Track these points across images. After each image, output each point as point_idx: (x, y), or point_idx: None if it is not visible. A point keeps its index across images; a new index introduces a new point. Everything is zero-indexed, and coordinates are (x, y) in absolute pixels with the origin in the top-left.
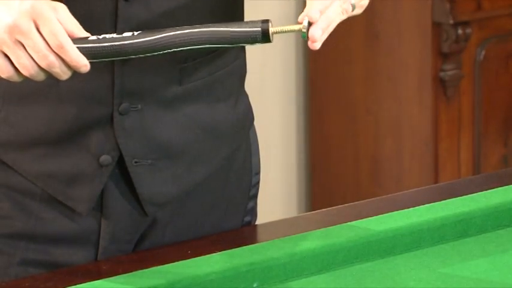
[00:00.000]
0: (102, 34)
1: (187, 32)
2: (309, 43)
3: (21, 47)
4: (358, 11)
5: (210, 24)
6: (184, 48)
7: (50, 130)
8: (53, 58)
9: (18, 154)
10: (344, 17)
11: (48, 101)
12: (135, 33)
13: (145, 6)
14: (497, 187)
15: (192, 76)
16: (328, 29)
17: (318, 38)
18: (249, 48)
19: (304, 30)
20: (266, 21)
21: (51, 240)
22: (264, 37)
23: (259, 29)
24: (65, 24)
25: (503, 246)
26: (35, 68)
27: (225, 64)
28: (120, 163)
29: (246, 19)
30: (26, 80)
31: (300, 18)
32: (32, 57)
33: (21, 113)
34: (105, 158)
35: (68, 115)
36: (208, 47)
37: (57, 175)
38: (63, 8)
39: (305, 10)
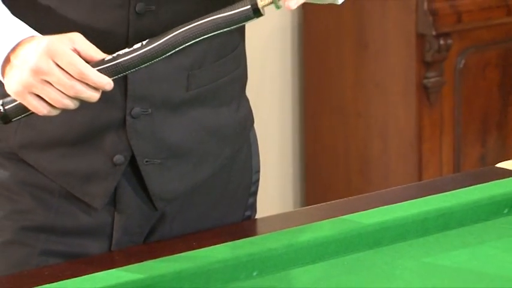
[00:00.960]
0: (116, 52)
1: (189, 28)
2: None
3: (49, 85)
4: None
5: (206, 16)
6: (191, 42)
7: (68, 132)
8: (78, 86)
9: (39, 154)
10: None
11: None
12: (143, 42)
13: (155, 18)
14: (476, 184)
15: (197, 83)
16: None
17: (292, 6)
18: (249, 56)
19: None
20: None
21: (69, 233)
22: (256, 12)
23: (249, 6)
24: (83, 51)
25: (481, 238)
26: (66, 98)
27: (227, 72)
28: (132, 162)
29: None
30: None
31: None
32: (60, 91)
33: (41, 117)
34: (118, 158)
35: (84, 118)
36: (211, 35)
37: (74, 173)
38: (79, 37)
39: None
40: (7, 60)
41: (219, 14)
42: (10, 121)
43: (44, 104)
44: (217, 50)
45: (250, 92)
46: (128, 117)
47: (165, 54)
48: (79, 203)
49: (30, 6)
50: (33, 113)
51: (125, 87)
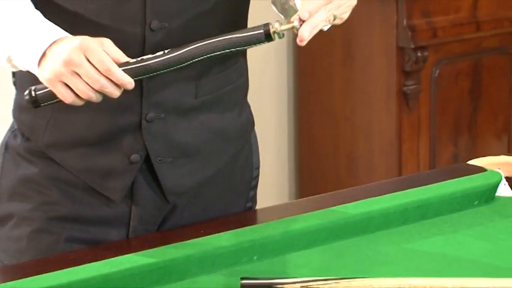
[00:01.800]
0: (140, 57)
1: (205, 43)
2: (298, 40)
3: (77, 76)
4: (338, 22)
5: (222, 35)
6: (207, 56)
7: (90, 134)
8: (103, 81)
9: (64, 153)
10: (327, 24)
11: (89, 111)
12: (166, 51)
13: (167, 34)
14: (449, 179)
15: (204, 91)
16: (313, 31)
17: (305, 37)
18: (250, 67)
19: (296, 31)
20: (267, 25)
21: (91, 222)
22: (267, 37)
23: (262, 31)
24: (111, 54)
25: (454, 226)
26: (91, 91)
27: (231, 81)
28: (147, 160)
29: None
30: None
31: (292, 18)
32: (87, 83)
33: (66, 120)
34: (134, 157)
35: (105, 122)
36: (224, 52)
37: (95, 170)
38: (108, 41)
39: (298, 11)
40: (43, 54)
41: (234, 34)
42: (39, 106)
43: (71, 93)
44: (222, 63)
45: (251, 98)
46: (143, 121)
47: (182, 63)
48: (100, 196)
49: (56, 19)
50: (60, 100)
51: (140, 95)
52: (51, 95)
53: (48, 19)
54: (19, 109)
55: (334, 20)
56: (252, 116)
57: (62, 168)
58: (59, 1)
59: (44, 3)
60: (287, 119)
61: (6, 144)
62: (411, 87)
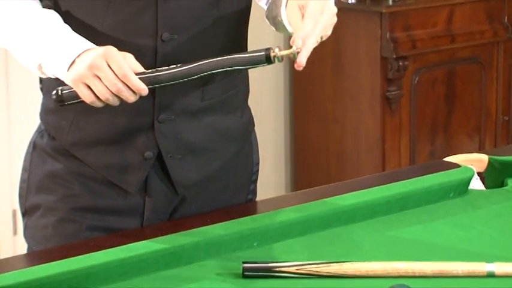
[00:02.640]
0: (156, 68)
1: (212, 61)
2: (296, 66)
3: (97, 79)
4: (324, 39)
5: (230, 54)
6: (213, 71)
7: (109, 134)
8: (120, 85)
9: (86, 151)
10: (316, 44)
11: (108, 113)
12: (178, 65)
13: (177, 45)
14: (427, 174)
15: (210, 95)
16: (308, 55)
17: (303, 64)
18: (251, 75)
19: (292, 55)
20: (268, 49)
21: (109, 212)
22: (268, 60)
23: (263, 53)
24: (131, 65)
25: (432, 216)
26: (109, 93)
27: (234, 87)
28: (159, 157)
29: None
30: (105, 105)
31: (291, 43)
32: (106, 86)
33: (87, 121)
34: (148, 154)
35: (121, 123)
36: (228, 70)
37: (113, 166)
38: (130, 55)
39: (292, 37)
40: (72, 62)
41: (239, 55)
42: (64, 104)
43: (91, 94)
44: (225, 71)
45: (252, 102)
46: (155, 122)
47: (191, 77)
48: (117, 189)
49: (76, 32)
50: (82, 101)
51: (153, 99)
52: (75, 95)
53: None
54: (45, 112)
55: (322, 39)
56: (253, 117)
57: (84, 164)
58: (79, 16)
59: (66, 18)
60: (284, 120)
61: (34, 143)
62: (393, 92)
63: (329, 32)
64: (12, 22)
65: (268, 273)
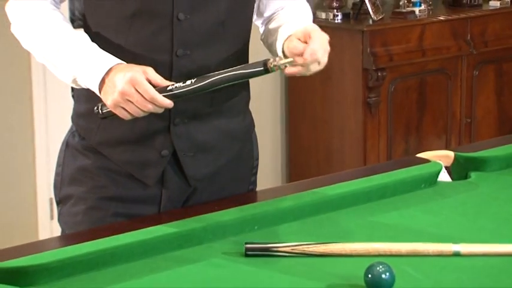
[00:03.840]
0: (175, 84)
1: (222, 76)
2: (297, 70)
3: (130, 103)
4: (322, 67)
5: (233, 69)
6: (223, 85)
7: (131, 135)
8: (150, 105)
9: (111, 149)
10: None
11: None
12: (193, 80)
13: (191, 60)
14: (402, 168)
15: (217, 101)
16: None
17: (309, 61)
18: (252, 83)
19: (284, 67)
20: (266, 61)
21: (131, 201)
22: (266, 70)
23: (262, 67)
24: (153, 80)
25: (406, 204)
26: (141, 112)
27: (237, 93)
28: (174, 155)
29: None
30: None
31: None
32: (138, 107)
33: (112, 125)
34: (164, 152)
35: (142, 126)
36: (236, 83)
37: (134, 162)
38: (150, 69)
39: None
40: (102, 81)
41: (242, 69)
42: (105, 118)
43: (126, 114)
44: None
45: (253, 106)
46: (171, 125)
47: (204, 91)
48: (138, 182)
49: (103, 49)
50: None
51: None
52: (112, 113)
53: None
54: (77, 116)
55: (319, 64)
56: (253, 120)
57: (109, 160)
58: (107, 35)
59: (95, 36)
60: (280, 122)
61: (67, 142)
62: (373, 99)
63: (325, 59)
64: (48, 42)
65: (266, 253)
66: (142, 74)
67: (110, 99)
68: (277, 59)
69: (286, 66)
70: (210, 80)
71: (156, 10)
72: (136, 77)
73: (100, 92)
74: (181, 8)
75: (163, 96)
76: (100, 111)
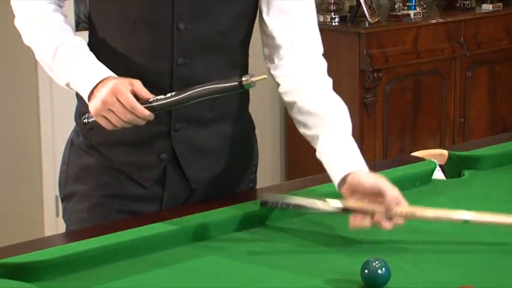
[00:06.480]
0: (156, 96)
1: (200, 90)
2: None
3: (111, 112)
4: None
5: (212, 83)
6: (201, 99)
7: (130, 137)
8: (130, 116)
9: (110, 149)
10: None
11: None
12: (172, 93)
13: (190, 68)
14: (398, 166)
15: (217, 107)
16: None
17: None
18: (253, 88)
19: (253, 81)
20: (240, 77)
21: (134, 199)
22: (241, 87)
23: (237, 83)
24: (138, 91)
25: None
26: (121, 122)
27: (235, 99)
28: (175, 158)
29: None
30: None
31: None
32: (118, 117)
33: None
34: (163, 155)
35: (142, 129)
36: (213, 97)
37: (133, 164)
38: (137, 82)
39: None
40: (91, 92)
41: (219, 84)
42: (91, 128)
43: (108, 123)
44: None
45: (253, 109)
46: (171, 130)
47: (183, 104)
48: (138, 182)
49: (108, 58)
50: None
51: (170, 112)
52: (97, 123)
53: (102, 57)
54: (79, 115)
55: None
56: (253, 122)
57: (110, 160)
58: (109, 40)
59: (100, 43)
60: (279, 123)
61: (71, 141)
62: (370, 99)
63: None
64: (46, 44)
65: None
66: (127, 85)
67: (93, 107)
68: (250, 77)
69: (259, 80)
70: (188, 93)
71: (157, 19)
72: (118, 87)
73: (89, 102)
74: (181, 18)
75: (145, 107)
76: (87, 120)
